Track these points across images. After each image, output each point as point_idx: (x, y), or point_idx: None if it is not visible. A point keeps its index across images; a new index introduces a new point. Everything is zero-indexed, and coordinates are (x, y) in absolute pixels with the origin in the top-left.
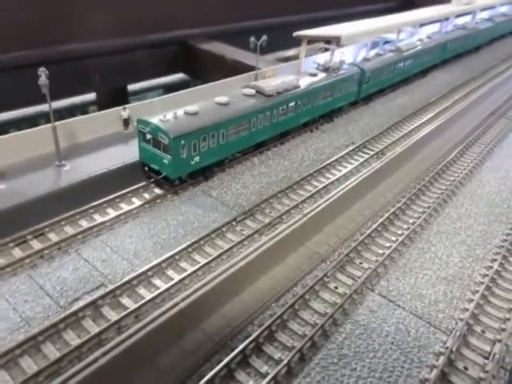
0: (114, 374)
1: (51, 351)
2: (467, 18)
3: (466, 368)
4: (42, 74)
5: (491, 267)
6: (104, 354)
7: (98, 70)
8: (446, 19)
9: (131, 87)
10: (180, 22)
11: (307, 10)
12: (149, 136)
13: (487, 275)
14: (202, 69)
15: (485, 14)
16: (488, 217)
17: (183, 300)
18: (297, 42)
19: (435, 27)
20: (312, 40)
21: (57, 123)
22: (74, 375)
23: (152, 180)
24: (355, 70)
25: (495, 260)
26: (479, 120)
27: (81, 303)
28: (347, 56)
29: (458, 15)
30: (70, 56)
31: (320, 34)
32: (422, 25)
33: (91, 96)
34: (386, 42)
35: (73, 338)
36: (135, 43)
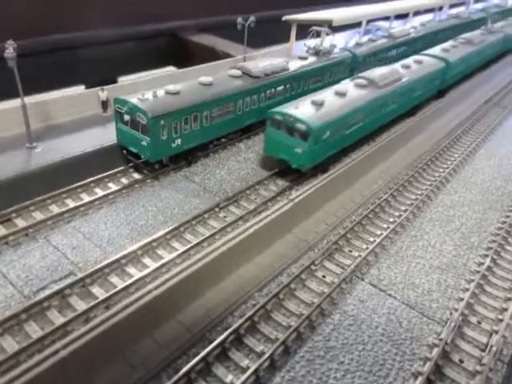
0: (77, 367)
1: (10, 344)
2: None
3: (461, 361)
4: (10, 47)
5: (487, 255)
6: (66, 345)
7: (87, 61)
8: (440, 9)
9: (121, 80)
10: (170, 14)
11: (298, 4)
12: (127, 117)
13: (483, 264)
14: (192, 61)
15: (479, 5)
16: (483, 204)
17: (157, 287)
18: (287, 38)
19: (429, 17)
20: (302, 25)
21: (28, 102)
22: (30, 369)
23: (131, 164)
24: (347, 55)
25: (491, 248)
26: (473, 109)
27: (47, 293)
28: (339, 42)
29: (452, 5)
30: (57, 47)
31: (310, 18)
32: (416, 13)
33: (80, 89)
34: (378, 30)
35: (35, 330)
36: (124, 34)
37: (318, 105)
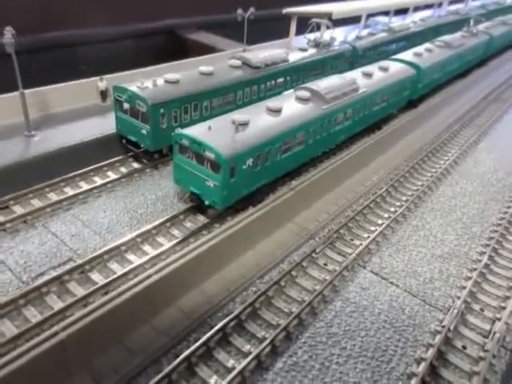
0: (75, 349)
1: (8, 328)
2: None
3: (464, 347)
4: (8, 33)
5: (488, 245)
6: (65, 328)
7: (85, 58)
8: (440, 5)
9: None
10: (168, 12)
11: (298, 2)
12: (126, 105)
13: (485, 253)
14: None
15: (477, 2)
16: (484, 195)
17: (156, 273)
18: (286, 35)
19: (429, 13)
20: (302, 18)
21: (27, 91)
22: (30, 350)
23: (130, 154)
24: (347, 48)
25: (492, 238)
26: (473, 103)
27: (45, 278)
28: (339, 36)
29: (451, 1)
30: (56, 44)
31: (310, 11)
32: (416, 9)
33: None
34: (378, 25)
35: (34, 315)
36: (122, 32)
37: (240, 125)
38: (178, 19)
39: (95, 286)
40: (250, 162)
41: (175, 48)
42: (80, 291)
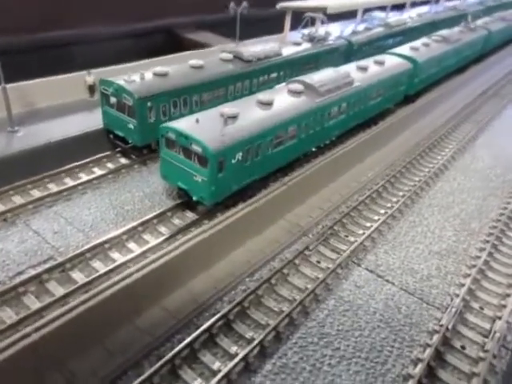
0: (49, 351)
1: None
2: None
3: (463, 347)
4: None
5: (488, 241)
6: (37, 329)
7: (83, 58)
8: (437, 0)
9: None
10: (166, 11)
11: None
12: (113, 99)
13: (484, 249)
14: None
15: None
16: (483, 191)
17: (138, 270)
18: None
19: (426, 8)
20: (297, 12)
21: (9, 85)
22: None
23: (118, 149)
24: (342, 42)
25: (492, 234)
26: (470, 98)
27: (23, 277)
28: (335, 31)
29: None
30: (54, 43)
31: (305, 5)
32: (413, 4)
33: None
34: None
35: (9, 316)
36: (121, 32)
37: (228, 118)
38: (175, 18)
39: (75, 285)
40: (239, 156)
41: (173, 47)
42: (59, 291)
